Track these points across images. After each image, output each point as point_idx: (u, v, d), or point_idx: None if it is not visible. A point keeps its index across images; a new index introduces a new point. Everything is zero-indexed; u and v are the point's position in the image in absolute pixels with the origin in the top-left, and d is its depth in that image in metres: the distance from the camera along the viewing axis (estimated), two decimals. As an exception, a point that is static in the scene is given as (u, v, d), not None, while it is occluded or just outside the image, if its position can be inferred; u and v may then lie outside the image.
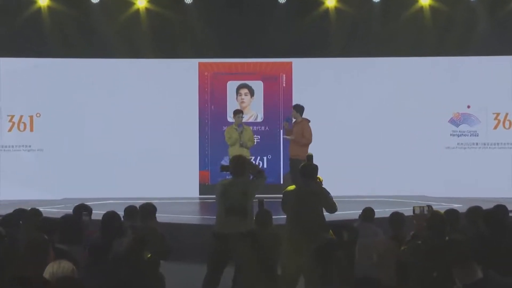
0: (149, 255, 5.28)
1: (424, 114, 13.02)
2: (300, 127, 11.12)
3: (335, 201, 6.64)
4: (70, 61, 12.98)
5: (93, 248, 5.12)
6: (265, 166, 13.23)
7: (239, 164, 6.63)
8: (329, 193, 6.64)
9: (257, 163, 13.08)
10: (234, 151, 11.12)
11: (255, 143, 12.20)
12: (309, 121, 11.21)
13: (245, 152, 11.21)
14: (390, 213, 6.60)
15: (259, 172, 6.69)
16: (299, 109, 11.25)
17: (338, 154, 12.89)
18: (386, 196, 12.36)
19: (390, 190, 12.65)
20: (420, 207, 5.84)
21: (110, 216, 6.05)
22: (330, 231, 6.54)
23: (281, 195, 6.95)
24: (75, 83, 12.98)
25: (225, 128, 13.06)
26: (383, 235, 6.81)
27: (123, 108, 13.05)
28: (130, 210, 6.59)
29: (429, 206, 5.88)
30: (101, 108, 13.04)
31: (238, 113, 11.42)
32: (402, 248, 5.49)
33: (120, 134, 13.01)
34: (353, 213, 8.22)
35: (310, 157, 7.76)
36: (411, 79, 13.06)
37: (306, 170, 6.72)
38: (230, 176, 6.64)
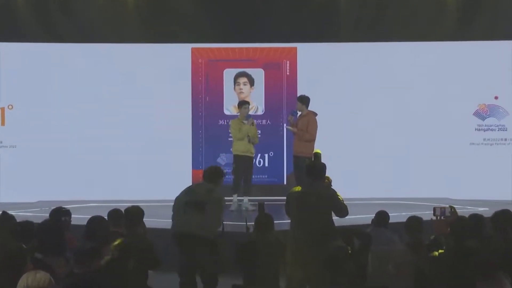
0: (134, 265, 5.29)
1: (446, 106, 13.02)
2: (305, 120, 11.11)
3: (345, 204, 6.65)
4: (48, 46, 12.97)
5: (80, 255, 5.14)
6: (266, 164, 13.25)
7: (217, 174, 7.26)
8: (338, 195, 6.65)
9: (257, 161, 13.10)
10: (242, 146, 11.10)
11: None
12: (316, 114, 11.20)
13: (251, 149, 11.21)
14: (406, 217, 6.61)
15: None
16: (305, 100, 11.24)
17: (348, 151, 12.90)
18: (402, 199, 12.37)
19: (407, 191, 12.67)
20: (441, 208, 5.86)
21: (97, 221, 6.06)
22: (340, 237, 6.55)
23: (285, 197, 6.97)
24: (52, 71, 12.98)
25: (223, 121, 13.07)
26: (399, 242, 6.83)
27: (106, 100, 13.05)
28: (115, 214, 6.60)
29: (452, 207, 5.89)
30: (81, 100, 13.03)
31: (244, 104, 11.40)
32: (424, 256, 5.50)
33: (103, 129, 13.01)
34: (366, 217, 8.24)
35: (317, 155, 7.76)
36: (430, 67, 13.07)
37: (312, 169, 6.72)
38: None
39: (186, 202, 7.21)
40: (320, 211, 6.49)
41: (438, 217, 5.99)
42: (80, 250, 5.20)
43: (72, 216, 6.77)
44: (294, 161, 11.24)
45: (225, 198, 11.66)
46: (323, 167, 6.78)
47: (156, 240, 6.74)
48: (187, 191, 7.42)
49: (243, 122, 11.18)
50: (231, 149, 11.42)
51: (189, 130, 13.26)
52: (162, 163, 12.96)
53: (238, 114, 11.46)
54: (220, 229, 7.10)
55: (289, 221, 6.86)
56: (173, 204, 7.42)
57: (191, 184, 13.09)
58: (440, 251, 5.44)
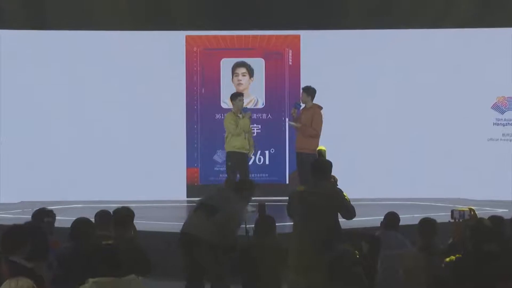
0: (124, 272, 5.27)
1: (461, 99, 13.00)
2: (310, 114, 11.08)
3: (352, 205, 6.64)
4: (29, 33, 12.95)
5: (66, 261, 5.11)
6: (267, 162, 13.24)
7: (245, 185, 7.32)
8: (345, 195, 6.64)
9: (257, 158, 13.08)
10: (238, 142, 11.07)
11: (255, 133, 12.22)
12: (321, 108, 11.17)
13: (247, 145, 11.18)
14: (419, 219, 6.59)
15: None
16: (310, 92, 11.20)
17: (355, 147, 12.88)
18: (415, 199, 12.36)
19: (420, 191, 12.66)
20: (460, 210, 5.83)
21: (82, 223, 6.05)
22: (347, 241, 6.53)
23: (287, 198, 6.95)
24: (34, 60, 12.96)
25: (220, 115, 13.07)
26: (411, 246, 6.81)
27: (93, 92, 13.03)
28: (102, 216, 6.58)
29: (471, 209, 5.88)
30: (66, 93, 13.01)
31: (238, 95, 11.36)
32: (440, 261, 5.48)
33: (89, 123, 12.99)
34: (374, 219, 8.22)
35: (322, 152, 7.75)
36: (445, 56, 13.05)
37: (317, 168, 6.70)
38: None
39: (199, 203, 7.24)
40: (325, 212, 6.48)
41: (457, 220, 5.97)
42: (65, 254, 5.18)
43: (56, 217, 6.76)
44: (298, 158, 11.22)
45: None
46: (329, 165, 6.77)
47: (148, 244, 6.72)
48: (210, 193, 7.48)
49: (237, 116, 11.15)
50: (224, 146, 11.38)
51: (183, 125, 13.25)
52: (154, 161, 12.94)
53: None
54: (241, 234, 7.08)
55: (292, 223, 6.85)
56: None
57: (185, 183, 13.29)
58: (457, 255, 5.42)
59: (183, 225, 7.34)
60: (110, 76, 13.05)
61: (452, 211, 5.90)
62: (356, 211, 6.69)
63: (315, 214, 6.46)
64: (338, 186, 6.82)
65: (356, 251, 5.99)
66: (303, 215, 6.54)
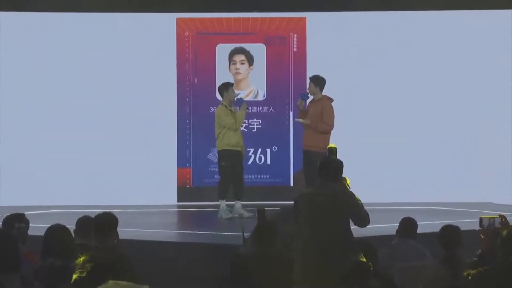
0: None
1: (486, 90, 13.02)
2: (319, 107, 11.07)
3: (366, 211, 6.62)
4: (11, 15, 12.97)
5: (45, 273, 5.12)
6: (268, 161, 13.24)
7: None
8: (357, 199, 6.63)
9: (258, 157, 13.09)
10: (234, 139, 11.08)
11: (254, 129, 12.25)
12: (331, 100, 11.17)
13: (241, 142, 11.20)
14: (440, 226, 6.60)
15: None
16: (319, 82, 11.18)
17: (369, 146, 12.89)
18: (434, 203, 12.36)
19: (440, 194, 12.66)
20: (489, 218, 5.83)
21: (56, 231, 6.05)
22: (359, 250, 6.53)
23: (291, 202, 6.95)
24: (16, 43, 12.96)
25: (215, 108, 13.06)
26: (431, 257, 6.82)
27: (72, 81, 13.03)
28: (83, 222, 6.59)
29: (502, 217, 5.87)
30: (43, 82, 13.02)
31: (230, 86, 11.35)
32: (466, 273, 5.48)
33: (68, 118, 13.00)
34: (390, 226, 8.23)
35: (332, 151, 7.74)
36: (466, 41, 13.07)
37: (326, 168, 6.69)
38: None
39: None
40: (335, 218, 6.47)
41: (485, 228, 5.97)
42: (47, 268, 5.18)
43: (30, 224, 6.76)
44: (304, 157, 11.22)
45: (214, 203, 11.90)
46: (339, 165, 6.74)
47: (133, 255, 6.73)
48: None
49: (230, 109, 11.15)
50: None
51: (174, 120, 13.25)
52: (140, 161, 12.94)
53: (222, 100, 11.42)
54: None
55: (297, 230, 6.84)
56: None
57: (176, 186, 13.30)
58: (485, 268, 5.42)
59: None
60: (93, 64, 13.03)
61: (481, 219, 5.90)
62: (370, 217, 6.68)
63: (323, 220, 6.45)
64: (350, 189, 6.81)
65: (370, 263, 5.99)
66: (310, 221, 6.53)
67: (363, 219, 6.59)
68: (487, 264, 5.57)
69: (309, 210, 6.52)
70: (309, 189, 6.76)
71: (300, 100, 11.23)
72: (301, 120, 11.16)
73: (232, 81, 12.37)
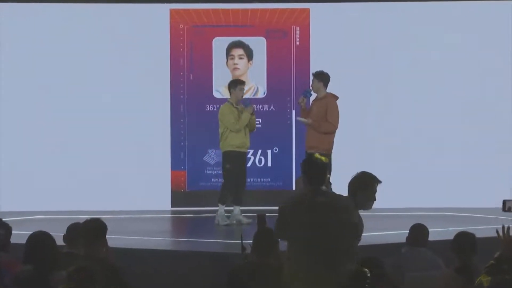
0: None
1: (502, 86, 13.03)
2: (323, 105, 11.06)
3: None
4: (3, 6, 13.03)
5: (22, 284, 5.12)
6: (269, 164, 13.25)
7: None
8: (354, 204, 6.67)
9: (257, 159, 13.09)
10: (238, 140, 11.08)
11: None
12: (336, 97, 11.17)
13: (247, 143, 11.20)
14: (454, 233, 6.61)
15: None
16: (323, 78, 11.17)
17: (375, 147, 12.89)
18: (448, 209, 12.37)
19: (454, 200, 12.67)
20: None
21: (39, 238, 6.06)
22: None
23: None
24: (6, 35, 13.00)
25: (212, 107, 13.07)
26: (444, 266, 6.83)
27: (59, 76, 13.03)
28: (72, 230, 6.60)
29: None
30: (24, 79, 13.03)
31: (239, 84, 11.35)
32: (483, 279, 5.49)
33: (53, 116, 13.01)
34: (399, 233, 8.24)
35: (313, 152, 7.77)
36: (486, 33, 13.09)
37: (311, 167, 6.72)
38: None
39: None
40: (330, 225, 6.48)
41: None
42: (23, 278, 5.19)
43: (12, 231, 6.77)
44: (307, 159, 11.21)
45: (212, 208, 11.91)
46: (323, 166, 6.77)
47: (124, 264, 6.74)
48: None
49: (236, 108, 11.16)
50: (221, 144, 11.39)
51: (168, 119, 13.26)
52: (132, 163, 12.95)
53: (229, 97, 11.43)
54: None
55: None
56: None
57: (170, 190, 13.30)
58: (506, 277, 5.42)
59: None
60: (80, 58, 13.03)
61: (504, 202, 5.91)
62: (376, 224, 6.70)
63: (319, 231, 6.46)
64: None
65: (367, 270, 5.96)
66: (304, 229, 6.53)
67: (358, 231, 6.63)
68: (505, 269, 5.58)
69: (303, 220, 6.51)
70: (298, 196, 6.73)
71: (302, 97, 11.21)
72: (302, 119, 11.15)
73: (230, 77, 12.40)
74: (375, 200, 6.54)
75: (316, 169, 6.55)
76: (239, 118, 11.13)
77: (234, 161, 11.13)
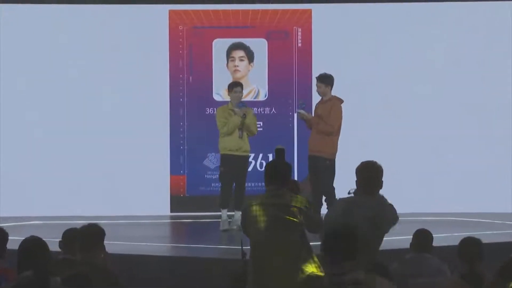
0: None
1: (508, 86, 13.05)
2: (327, 108, 11.06)
3: (319, 216, 6.73)
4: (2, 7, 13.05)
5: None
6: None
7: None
8: (309, 203, 6.74)
9: (258, 163, 13.09)
10: (231, 143, 11.11)
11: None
12: (341, 101, 11.16)
13: (245, 146, 11.21)
14: (460, 238, 6.60)
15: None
16: (328, 80, 11.16)
17: (380, 151, 12.88)
18: (454, 214, 12.37)
19: (460, 204, 12.67)
20: None
21: (31, 243, 6.05)
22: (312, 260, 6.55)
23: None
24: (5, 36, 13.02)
25: (212, 110, 13.06)
26: (449, 272, 6.82)
27: (57, 80, 13.04)
28: (69, 235, 6.60)
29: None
30: (22, 81, 13.03)
31: (235, 86, 11.40)
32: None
33: (50, 118, 13.02)
34: (403, 239, 8.23)
35: (279, 152, 7.81)
36: (495, 33, 13.09)
37: (274, 172, 6.79)
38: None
39: None
40: (287, 227, 6.53)
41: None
42: (24, 284, 5.19)
43: (9, 237, 6.76)
44: (310, 163, 11.21)
45: (212, 214, 11.90)
46: (287, 168, 6.87)
47: (122, 270, 6.74)
48: None
49: (232, 111, 11.17)
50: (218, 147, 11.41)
51: (167, 122, 13.25)
52: (130, 167, 12.94)
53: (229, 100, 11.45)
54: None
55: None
56: None
57: (169, 195, 13.31)
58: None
59: None
60: (78, 60, 13.03)
61: None
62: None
63: (276, 229, 6.52)
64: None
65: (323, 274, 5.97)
66: (263, 231, 6.56)
67: (314, 225, 6.69)
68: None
69: (261, 220, 6.57)
70: (259, 198, 6.78)
71: (299, 112, 11.22)
72: (302, 111, 11.17)
73: (231, 80, 12.40)
74: None
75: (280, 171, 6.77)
76: (241, 121, 11.15)
77: (227, 164, 11.17)
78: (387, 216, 6.66)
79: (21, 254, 6.03)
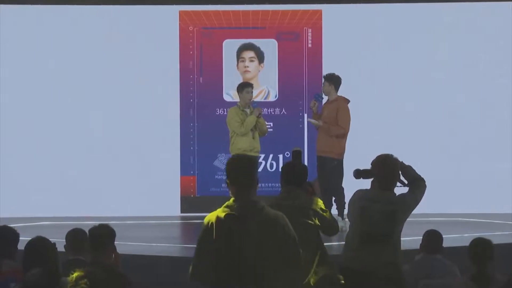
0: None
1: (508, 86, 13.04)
2: (334, 108, 11.08)
3: (334, 218, 6.78)
4: (12, 8, 13.09)
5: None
6: (280, 168, 13.20)
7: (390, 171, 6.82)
8: (323, 206, 6.76)
9: (269, 164, 13.08)
10: (245, 143, 11.09)
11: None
12: (348, 101, 11.18)
13: (257, 147, 11.20)
14: (470, 239, 6.59)
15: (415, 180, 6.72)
16: (335, 80, 11.19)
17: (389, 151, 12.82)
18: (464, 215, 12.35)
19: (470, 205, 12.65)
20: None
21: (37, 243, 6.06)
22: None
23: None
24: (13, 36, 13.06)
25: (222, 110, 13.07)
26: (460, 273, 6.81)
27: (65, 80, 13.07)
28: (75, 236, 6.61)
29: None
30: (32, 81, 13.07)
31: (245, 87, 11.39)
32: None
33: (60, 119, 13.04)
34: (413, 240, 8.22)
35: (296, 154, 7.82)
36: (486, 33, 13.08)
37: (290, 174, 6.80)
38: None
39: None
40: (303, 227, 6.51)
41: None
42: (33, 281, 5.20)
43: (20, 237, 6.78)
44: (319, 164, 11.22)
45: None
46: (304, 170, 6.90)
47: (133, 271, 6.74)
48: None
49: (244, 111, 11.17)
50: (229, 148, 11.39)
51: (177, 123, 13.27)
52: (140, 168, 12.96)
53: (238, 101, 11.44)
54: None
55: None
56: None
57: (179, 195, 13.33)
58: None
59: (345, 257, 7.00)
60: (88, 62, 13.08)
61: None
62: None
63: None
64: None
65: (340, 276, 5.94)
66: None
67: (329, 229, 6.71)
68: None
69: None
70: (274, 199, 6.77)
71: (313, 101, 11.24)
72: (313, 121, 11.19)
73: (241, 80, 12.40)
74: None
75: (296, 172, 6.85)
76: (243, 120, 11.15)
77: None
78: (409, 204, 6.71)
79: (27, 254, 6.05)
